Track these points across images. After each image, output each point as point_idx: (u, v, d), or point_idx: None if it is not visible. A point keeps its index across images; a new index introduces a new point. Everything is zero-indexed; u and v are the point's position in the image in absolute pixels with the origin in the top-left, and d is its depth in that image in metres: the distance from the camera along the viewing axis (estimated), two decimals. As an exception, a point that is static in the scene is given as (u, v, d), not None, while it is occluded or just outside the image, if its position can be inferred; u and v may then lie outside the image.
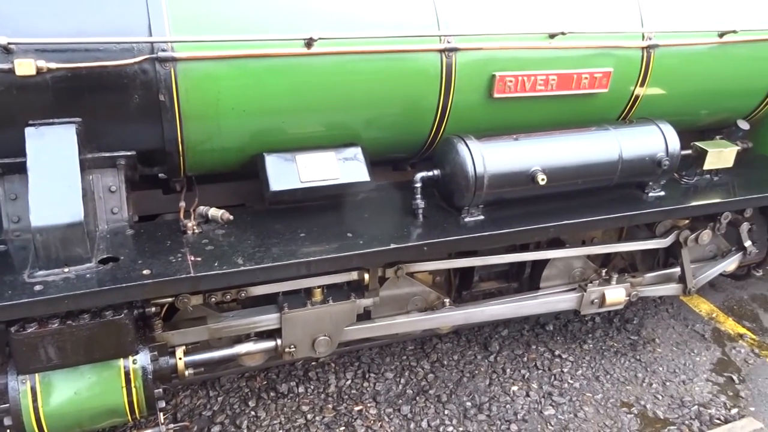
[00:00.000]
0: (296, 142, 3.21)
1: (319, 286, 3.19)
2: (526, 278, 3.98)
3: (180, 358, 2.99)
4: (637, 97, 3.79)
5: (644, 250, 4.21)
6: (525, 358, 4.15)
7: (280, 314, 3.14)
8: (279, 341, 3.22)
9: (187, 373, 3.04)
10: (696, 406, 3.81)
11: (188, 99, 2.81)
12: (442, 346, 4.20)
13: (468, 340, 4.28)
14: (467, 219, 3.27)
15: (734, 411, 3.78)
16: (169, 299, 2.91)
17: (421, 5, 3.20)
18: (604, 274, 3.98)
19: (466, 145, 3.17)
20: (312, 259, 2.84)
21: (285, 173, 3.10)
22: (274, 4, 2.97)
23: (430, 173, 3.27)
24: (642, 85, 3.75)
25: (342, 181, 3.17)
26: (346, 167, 3.20)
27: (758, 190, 3.97)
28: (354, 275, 3.24)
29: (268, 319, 3.16)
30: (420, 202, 3.21)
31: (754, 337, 4.50)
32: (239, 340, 3.30)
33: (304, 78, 3.01)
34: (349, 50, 3.03)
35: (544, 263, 3.87)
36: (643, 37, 3.64)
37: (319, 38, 2.88)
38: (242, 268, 2.70)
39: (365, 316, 3.49)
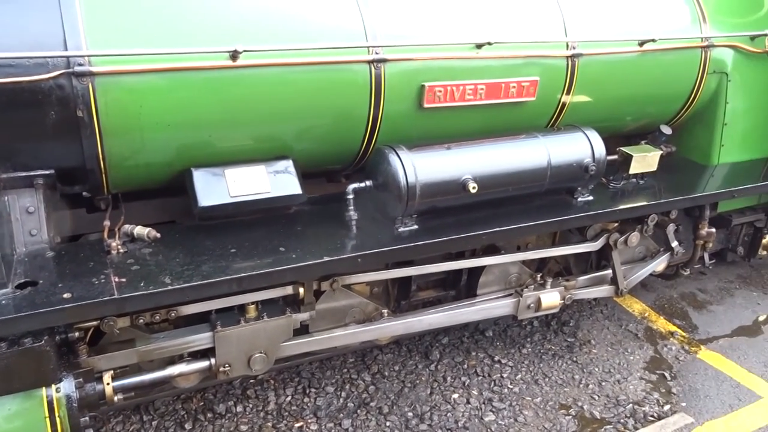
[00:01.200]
0: (225, 155, 3.15)
1: (252, 303, 3.13)
2: (464, 286, 4.01)
3: (108, 384, 2.88)
4: (564, 104, 3.89)
5: (577, 254, 4.30)
6: (465, 365, 4.17)
7: (213, 333, 3.06)
8: (213, 361, 3.13)
9: (116, 398, 2.92)
10: (630, 405, 3.91)
11: (108, 114, 2.72)
12: (383, 357, 4.18)
13: (409, 349, 4.28)
14: (401, 229, 3.27)
15: (666, 407, 3.89)
16: (94, 323, 2.79)
17: (349, 17, 3.20)
18: (539, 278, 4.05)
19: (398, 156, 3.18)
20: (243, 275, 2.78)
21: (214, 188, 3.03)
22: (198, 16, 2.92)
23: (363, 184, 3.26)
24: (568, 92, 3.84)
25: (273, 194, 3.12)
26: (277, 180, 3.16)
27: (682, 192, 4.12)
28: (289, 290, 3.19)
29: (200, 339, 3.08)
30: (353, 214, 3.20)
31: (684, 334, 4.65)
32: (172, 361, 3.21)
33: (230, 91, 2.96)
34: (276, 62, 3.00)
35: (480, 270, 3.90)
36: (568, 46, 3.73)
37: (244, 51, 2.83)
38: (170, 287, 2.62)
39: (303, 330, 3.45)
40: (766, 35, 4.40)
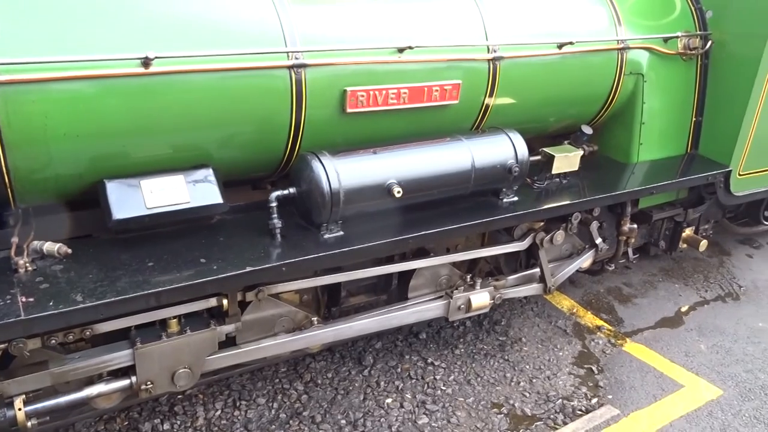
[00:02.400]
0: (142, 166, 3.03)
1: (174, 317, 3.03)
2: (395, 289, 4.01)
3: (19, 409, 2.73)
4: (487, 107, 3.93)
5: (507, 254, 4.36)
6: (399, 369, 4.17)
7: (133, 350, 2.95)
8: (134, 379, 3.02)
9: (29, 424, 2.79)
10: (560, 400, 3.99)
11: (10, 125, 2.58)
12: (315, 365, 4.13)
13: (342, 356, 4.25)
14: (326, 236, 3.23)
15: (594, 401, 3.99)
16: (1, 346, 2.64)
17: (268, 21, 3.14)
18: (469, 279, 4.09)
19: (320, 162, 3.14)
20: (161, 289, 2.69)
21: (129, 200, 2.92)
22: (108, 21, 2.80)
23: (286, 192, 3.21)
24: (491, 95, 3.88)
25: (193, 204, 3.03)
26: (196, 190, 3.06)
27: (604, 190, 4.24)
28: (212, 302, 3.11)
29: (119, 357, 2.96)
30: (277, 222, 3.14)
31: (610, 328, 4.78)
32: (92, 381, 3.07)
33: (143, 99, 2.86)
34: (191, 69, 2.91)
35: (410, 273, 3.90)
36: (489, 49, 3.78)
37: (156, 57, 2.74)
38: (81, 305, 2.51)
39: (230, 342, 3.37)
40: (678, 37, 4.58)
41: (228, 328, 3.21)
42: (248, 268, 2.88)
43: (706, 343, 4.67)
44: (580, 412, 3.88)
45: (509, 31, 3.89)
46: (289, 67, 3.16)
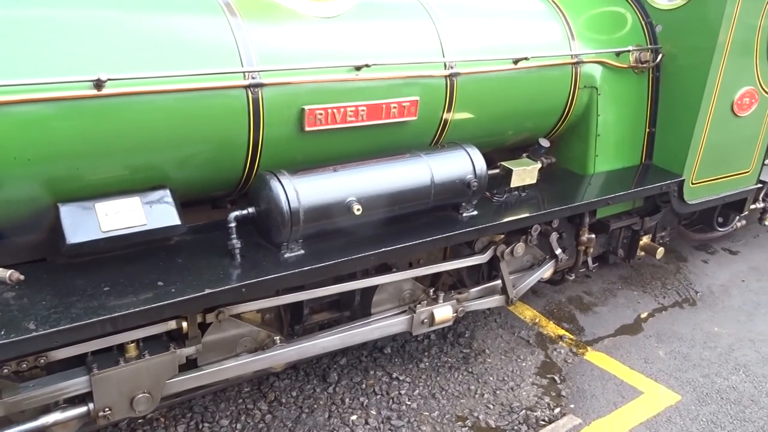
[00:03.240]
0: (97, 188, 2.98)
1: (132, 341, 2.98)
2: (358, 306, 4.01)
3: (-29, 441, 2.66)
4: (446, 122, 3.98)
5: (469, 266, 4.40)
6: (363, 385, 4.16)
7: (90, 376, 2.89)
8: (91, 405, 2.96)
9: (-18, 456, 2.71)
10: (524, 411, 4.03)
11: (-42, 151, 2.53)
12: (279, 384, 4.10)
13: (306, 373, 4.23)
14: (287, 255, 3.22)
15: (557, 410, 4.04)
16: (-50, 377, 2.57)
17: (223, 41, 3.13)
18: (431, 293, 4.11)
19: (279, 181, 3.14)
20: (117, 314, 2.64)
21: (83, 223, 2.87)
22: (59, 43, 2.76)
23: (245, 211, 3.20)
24: (449, 111, 3.93)
25: (149, 227, 2.99)
26: (153, 212, 3.03)
27: (562, 201, 4.31)
28: (172, 324, 3.07)
29: (75, 384, 2.89)
30: (236, 242, 3.12)
31: (572, 337, 4.86)
32: (48, 409, 3.00)
33: (97, 121, 2.81)
34: (146, 90, 2.88)
35: (373, 289, 3.91)
36: (445, 66, 3.82)
37: (108, 79, 2.71)
38: (34, 334, 2.45)
39: (192, 364, 3.33)
40: (629, 51, 4.70)
41: (188, 350, 3.17)
42: (207, 290, 2.85)
43: (664, 349, 4.77)
44: (543, 423, 3.92)
45: (465, 48, 3.94)
46: (246, 87, 3.15)
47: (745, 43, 4.73)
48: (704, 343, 4.89)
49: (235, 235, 3.12)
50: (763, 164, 5.56)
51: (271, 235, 3.22)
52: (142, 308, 2.70)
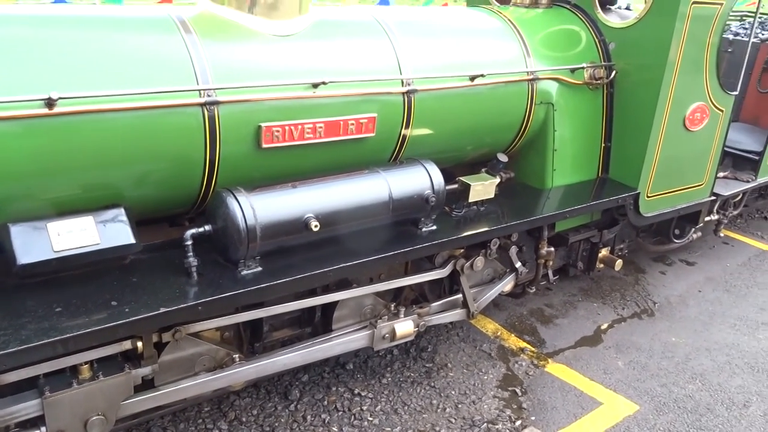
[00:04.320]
0: (50, 208, 2.95)
1: (86, 362, 2.94)
2: (319, 322, 4.00)
3: None
4: (404, 138, 4.02)
5: (431, 281, 4.43)
6: (325, 402, 4.15)
7: (42, 399, 2.84)
8: (43, 429, 2.90)
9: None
10: (485, 424, 4.05)
11: None
12: (240, 402, 4.06)
13: (268, 391, 4.19)
14: (244, 272, 3.22)
15: (518, 423, 4.08)
16: None
17: (178, 59, 3.14)
18: (393, 308, 4.13)
19: (235, 198, 3.14)
20: (69, 335, 2.61)
21: (35, 244, 2.83)
22: (8, 61, 2.74)
23: (201, 229, 3.19)
24: (407, 127, 3.98)
25: (103, 246, 2.96)
26: (107, 231, 3.00)
27: (520, 215, 4.37)
28: (127, 344, 3.03)
29: (26, 407, 2.84)
30: (192, 260, 3.10)
31: (533, 349, 4.91)
32: (-1, 433, 2.94)
33: (49, 140, 2.80)
34: (99, 109, 2.87)
35: (334, 305, 3.91)
36: (403, 83, 3.88)
37: (60, 98, 2.69)
38: (-20, 357, 2.41)
39: (149, 384, 3.29)
40: (584, 68, 4.82)
41: (144, 370, 3.13)
42: (162, 309, 2.83)
43: (623, 360, 4.85)
44: (504, 435, 3.96)
45: (423, 65, 4.00)
46: (202, 105, 3.15)
47: (695, 59, 4.88)
48: (662, 353, 4.98)
49: (191, 253, 3.10)
50: (716, 177, 5.72)
51: (228, 252, 3.21)
52: (95, 329, 2.67)
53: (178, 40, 3.17)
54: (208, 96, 3.16)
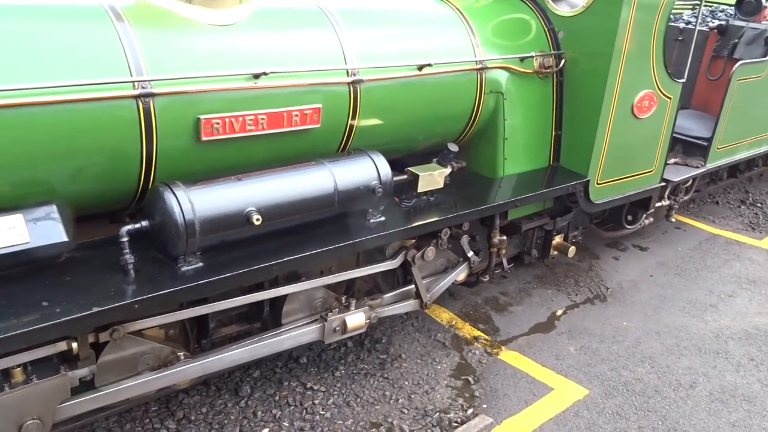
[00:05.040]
0: (-24, 206, 2.85)
1: (18, 365, 2.84)
2: (268, 316, 3.95)
3: None
4: (351, 129, 3.97)
5: (384, 272, 4.41)
6: (277, 397, 4.10)
7: (-29, 405, 2.75)
8: (-26, 436, 2.81)
9: None
10: (438, 414, 4.06)
11: None
12: (189, 400, 3.99)
13: (218, 388, 4.13)
14: (184, 268, 3.14)
15: (470, 411, 4.09)
16: None
17: (109, 49, 3.04)
18: (344, 301, 4.09)
19: (173, 192, 3.06)
20: (-6, 338, 2.52)
21: (-41, 243, 2.73)
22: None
23: (138, 225, 3.10)
24: (354, 118, 3.93)
25: (33, 245, 2.85)
26: (37, 229, 2.89)
27: (470, 204, 4.37)
28: (62, 346, 2.95)
29: (-46, 414, 2.74)
30: (129, 258, 3.02)
31: (487, 337, 4.93)
32: (-72, 441, 2.83)
33: (-28, 135, 2.69)
34: (25, 102, 2.76)
35: (282, 299, 3.86)
36: (348, 73, 3.82)
37: (-20, 91, 2.58)
38: None
39: (90, 385, 3.20)
40: (533, 56, 4.82)
41: (81, 372, 3.05)
42: (94, 309, 2.75)
43: (575, 345, 4.90)
44: (456, 424, 3.96)
45: (369, 54, 3.95)
46: (136, 97, 3.06)
47: (642, 47, 4.92)
48: (613, 337, 5.05)
49: (127, 250, 3.02)
50: (666, 164, 5.81)
51: (167, 248, 3.13)
52: (24, 330, 2.58)
53: (109, 28, 3.06)
54: (143, 88, 3.07)
